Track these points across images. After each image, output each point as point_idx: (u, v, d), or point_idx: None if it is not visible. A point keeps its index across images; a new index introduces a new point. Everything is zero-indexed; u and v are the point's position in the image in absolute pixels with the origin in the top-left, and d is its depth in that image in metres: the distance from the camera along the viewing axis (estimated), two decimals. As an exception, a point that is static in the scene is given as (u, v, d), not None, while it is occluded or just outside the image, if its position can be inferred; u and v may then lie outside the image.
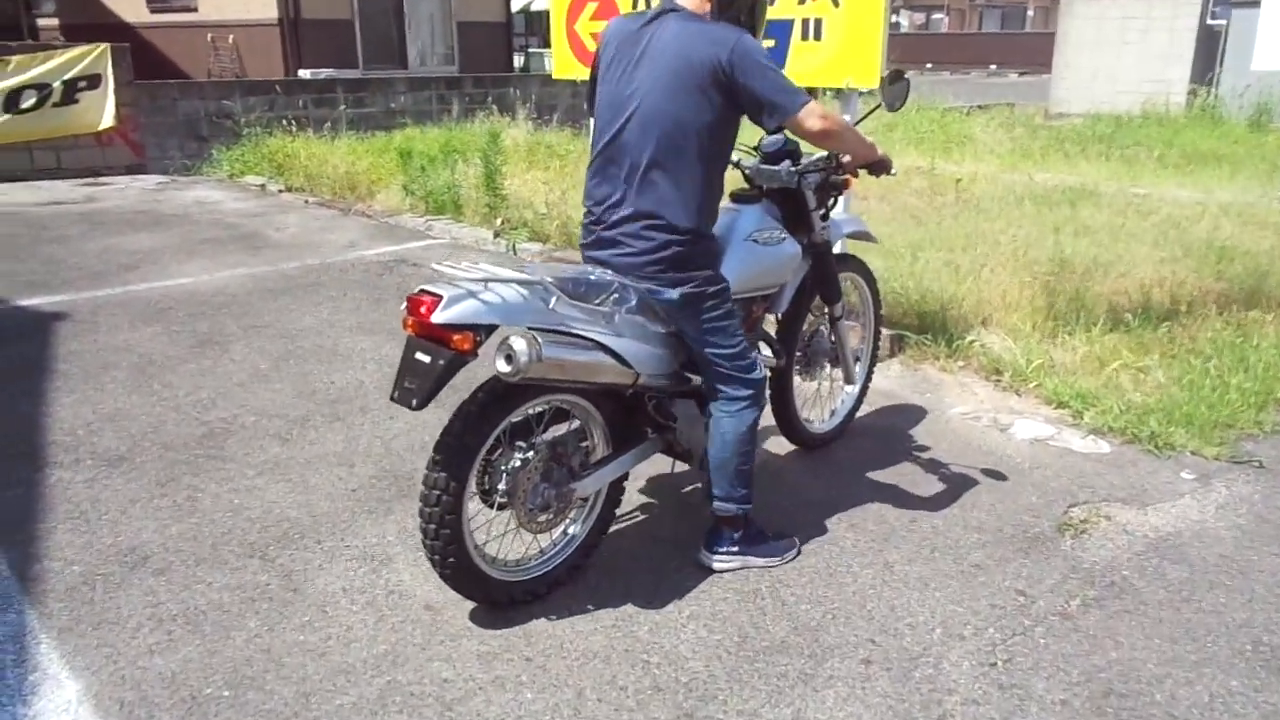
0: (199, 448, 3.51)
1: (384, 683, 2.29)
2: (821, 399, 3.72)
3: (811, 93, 2.84)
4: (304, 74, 12.92)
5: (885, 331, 4.63)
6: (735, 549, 2.81)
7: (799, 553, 2.90)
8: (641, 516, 3.13)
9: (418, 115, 12.75)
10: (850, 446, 3.67)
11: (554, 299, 2.35)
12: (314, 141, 10.16)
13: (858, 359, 3.57)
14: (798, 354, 3.42)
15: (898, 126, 12.12)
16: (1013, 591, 2.72)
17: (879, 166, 2.89)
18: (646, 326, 2.58)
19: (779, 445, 3.62)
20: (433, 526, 2.35)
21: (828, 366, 3.53)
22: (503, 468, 2.49)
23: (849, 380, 3.55)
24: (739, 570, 2.80)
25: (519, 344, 2.24)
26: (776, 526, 3.02)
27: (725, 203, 2.94)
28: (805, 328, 3.40)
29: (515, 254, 6.73)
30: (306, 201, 8.69)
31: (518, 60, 17.79)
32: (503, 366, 2.26)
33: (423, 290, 2.24)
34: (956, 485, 3.36)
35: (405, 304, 2.23)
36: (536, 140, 10.23)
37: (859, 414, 3.83)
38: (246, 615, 2.53)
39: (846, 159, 2.91)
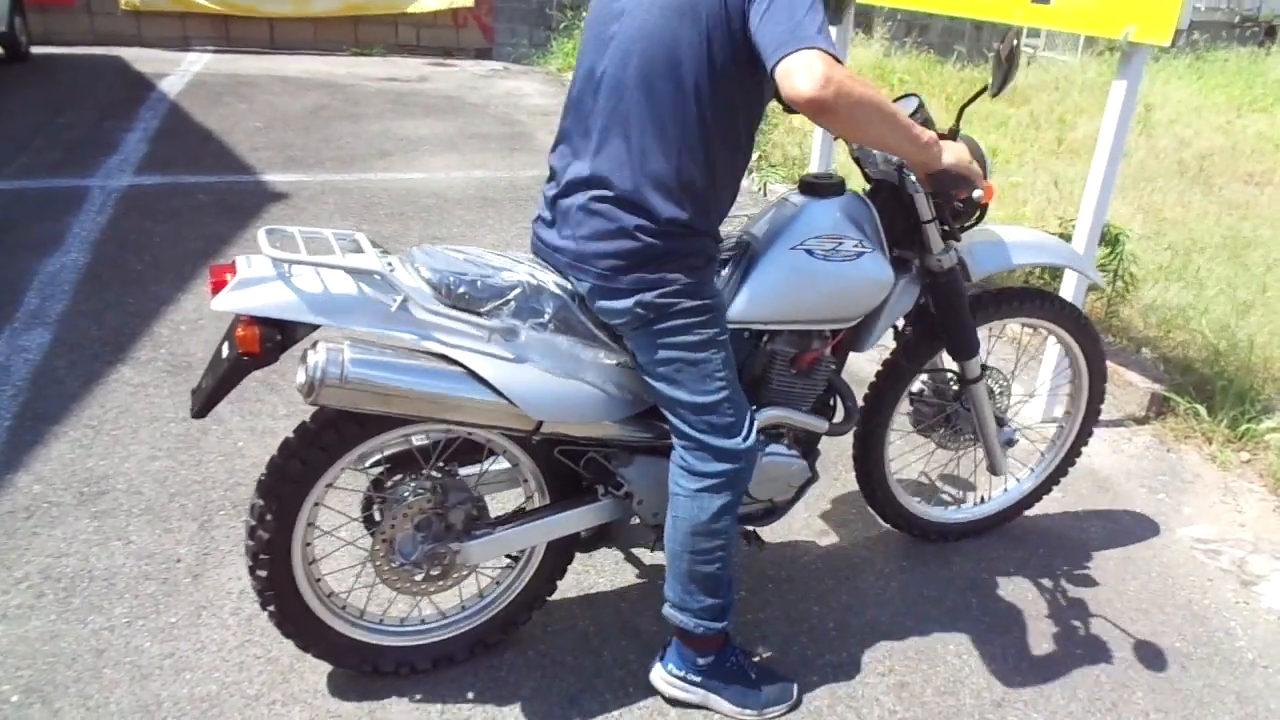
0: (264, 381, 3.32)
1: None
2: (970, 475, 2.68)
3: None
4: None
5: (1143, 387, 3.35)
6: (696, 679, 2.03)
7: (795, 707, 2.06)
8: (634, 581, 2.42)
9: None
10: (984, 553, 2.61)
11: (401, 297, 1.70)
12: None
13: (1009, 442, 2.45)
14: (927, 409, 2.46)
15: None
16: None
17: (945, 181, 1.80)
18: (575, 353, 1.82)
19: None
20: (249, 562, 1.87)
21: (975, 438, 2.49)
22: (392, 498, 1.96)
23: (994, 470, 2.47)
24: (696, 706, 2.04)
25: (316, 355, 1.67)
26: (783, 658, 2.19)
27: (791, 192, 2.08)
28: (960, 384, 2.40)
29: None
30: (603, 103, 8.38)
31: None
32: (299, 379, 1.69)
33: (235, 260, 1.71)
34: (1106, 673, 2.24)
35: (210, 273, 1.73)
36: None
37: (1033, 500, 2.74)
38: (124, 597, 2.24)
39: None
